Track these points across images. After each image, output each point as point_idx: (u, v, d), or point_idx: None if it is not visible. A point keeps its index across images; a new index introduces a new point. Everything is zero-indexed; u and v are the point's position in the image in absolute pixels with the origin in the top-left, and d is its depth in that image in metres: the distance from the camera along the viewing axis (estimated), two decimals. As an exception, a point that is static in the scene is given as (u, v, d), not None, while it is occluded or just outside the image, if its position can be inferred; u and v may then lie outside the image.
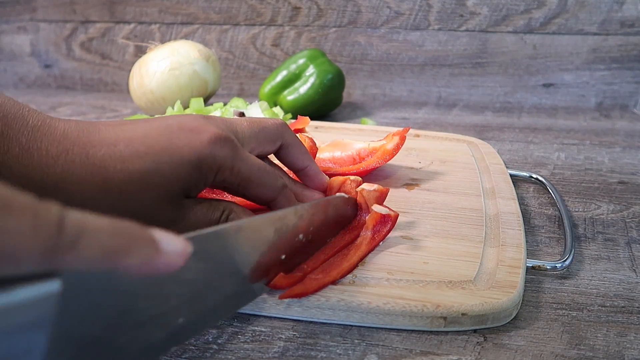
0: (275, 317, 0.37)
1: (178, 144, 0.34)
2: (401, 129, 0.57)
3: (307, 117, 0.62)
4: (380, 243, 0.43)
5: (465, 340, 0.35)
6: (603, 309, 0.39)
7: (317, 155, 0.57)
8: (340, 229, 0.44)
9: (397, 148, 0.55)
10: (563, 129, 0.81)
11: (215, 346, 0.35)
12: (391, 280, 0.38)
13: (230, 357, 0.34)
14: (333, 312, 0.36)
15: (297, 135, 0.45)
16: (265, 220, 0.33)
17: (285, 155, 0.43)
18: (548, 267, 0.42)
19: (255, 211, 0.42)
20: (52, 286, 0.19)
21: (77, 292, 0.20)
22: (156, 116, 0.44)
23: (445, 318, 0.35)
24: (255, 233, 0.32)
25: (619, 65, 0.92)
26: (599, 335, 0.36)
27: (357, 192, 0.44)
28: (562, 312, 0.38)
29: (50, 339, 0.19)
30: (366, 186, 0.44)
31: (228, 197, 0.46)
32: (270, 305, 0.37)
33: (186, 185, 0.35)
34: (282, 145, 0.42)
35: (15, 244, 0.17)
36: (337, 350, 0.35)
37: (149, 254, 0.21)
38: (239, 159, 0.36)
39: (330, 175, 0.55)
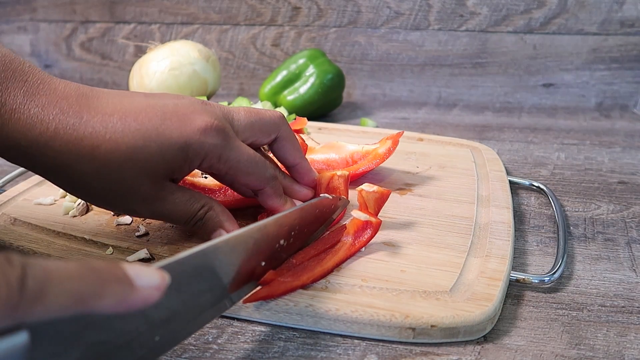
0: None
1: (169, 127, 0.35)
2: (395, 132, 0.57)
3: (305, 118, 0.62)
4: (362, 249, 0.42)
5: (466, 340, 0.35)
6: (603, 309, 0.39)
7: (311, 156, 0.57)
8: (322, 224, 0.43)
9: (389, 152, 0.54)
10: (563, 129, 0.81)
11: (215, 346, 0.35)
12: (364, 288, 0.37)
13: (230, 357, 0.34)
14: (301, 318, 0.36)
15: None
16: (243, 235, 0.33)
17: (278, 148, 0.44)
18: (535, 281, 0.40)
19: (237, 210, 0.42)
20: (19, 339, 0.18)
21: (47, 338, 0.20)
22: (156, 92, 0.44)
23: (413, 329, 0.34)
24: (232, 250, 0.32)
25: (619, 65, 0.92)
26: (599, 335, 0.36)
27: (357, 191, 0.43)
28: (562, 312, 0.38)
29: None
30: (366, 187, 0.42)
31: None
32: (240, 307, 0.36)
33: (171, 167, 0.36)
34: (277, 138, 0.43)
35: None
36: (337, 350, 0.34)
37: (123, 293, 0.20)
38: (228, 148, 0.37)
39: None
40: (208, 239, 0.38)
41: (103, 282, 0.20)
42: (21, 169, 0.60)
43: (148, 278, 0.21)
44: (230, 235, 0.32)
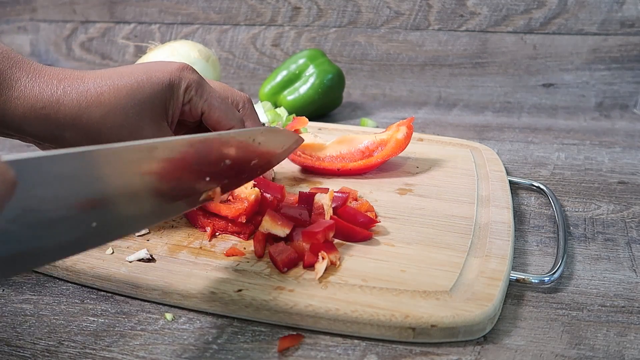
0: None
1: (154, 72, 0.42)
2: (405, 119, 0.58)
3: (305, 118, 0.62)
4: (358, 245, 0.43)
5: (466, 340, 0.35)
6: (603, 309, 0.39)
7: (325, 153, 0.59)
8: (271, 163, 0.44)
9: (408, 137, 0.56)
10: (563, 129, 0.81)
11: (215, 346, 0.35)
12: (364, 288, 0.37)
13: (230, 357, 0.34)
14: (301, 318, 0.36)
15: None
16: (184, 142, 0.34)
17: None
18: (534, 281, 0.40)
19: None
20: None
21: None
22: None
23: (414, 329, 0.34)
24: (171, 153, 0.33)
25: (619, 65, 0.92)
26: (599, 335, 0.36)
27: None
28: (562, 312, 0.38)
29: None
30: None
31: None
32: (240, 307, 0.37)
33: (163, 102, 0.41)
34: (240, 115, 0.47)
35: None
36: (337, 350, 0.34)
37: None
38: (204, 84, 0.44)
39: (342, 172, 0.56)
40: None
41: None
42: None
43: None
44: (169, 139, 0.33)
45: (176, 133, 0.47)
